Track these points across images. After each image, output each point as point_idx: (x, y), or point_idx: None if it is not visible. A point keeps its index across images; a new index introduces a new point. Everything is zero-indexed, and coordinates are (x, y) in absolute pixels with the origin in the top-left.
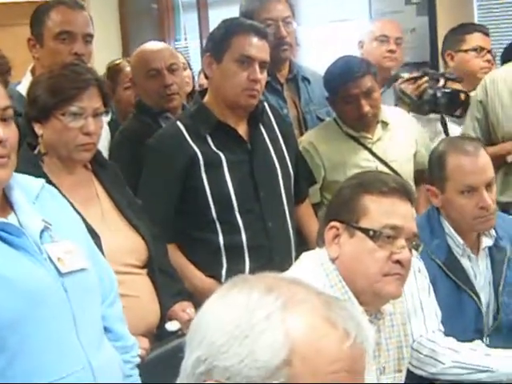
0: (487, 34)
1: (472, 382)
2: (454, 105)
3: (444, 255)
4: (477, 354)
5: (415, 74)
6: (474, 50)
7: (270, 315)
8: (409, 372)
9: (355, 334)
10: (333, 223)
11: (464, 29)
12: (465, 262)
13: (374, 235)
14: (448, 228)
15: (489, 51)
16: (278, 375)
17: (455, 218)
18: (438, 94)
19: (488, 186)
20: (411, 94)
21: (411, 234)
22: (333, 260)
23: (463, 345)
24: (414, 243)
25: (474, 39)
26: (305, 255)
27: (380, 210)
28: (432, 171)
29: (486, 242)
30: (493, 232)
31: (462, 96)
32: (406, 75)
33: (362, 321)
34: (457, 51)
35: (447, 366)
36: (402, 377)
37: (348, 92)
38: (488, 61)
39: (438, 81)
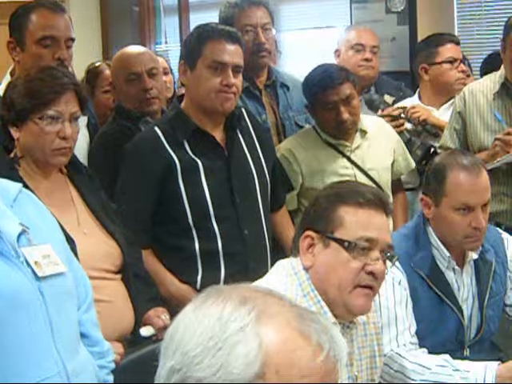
0: (458, 43)
1: None
2: (425, 159)
3: (428, 267)
4: (445, 371)
5: (395, 112)
6: (449, 61)
7: (244, 327)
8: None
9: (328, 348)
10: (308, 232)
11: (436, 40)
12: (449, 275)
13: (348, 246)
14: (435, 240)
15: (461, 61)
16: None
17: (444, 233)
18: (415, 144)
19: (484, 206)
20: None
21: (386, 246)
22: (306, 269)
23: (432, 360)
24: (388, 254)
25: (447, 51)
26: (279, 263)
27: (356, 222)
28: (429, 182)
29: (472, 255)
30: (475, 251)
31: (432, 150)
32: (387, 98)
33: (335, 334)
34: (430, 64)
35: (416, 383)
36: None
37: (327, 99)
38: (463, 71)
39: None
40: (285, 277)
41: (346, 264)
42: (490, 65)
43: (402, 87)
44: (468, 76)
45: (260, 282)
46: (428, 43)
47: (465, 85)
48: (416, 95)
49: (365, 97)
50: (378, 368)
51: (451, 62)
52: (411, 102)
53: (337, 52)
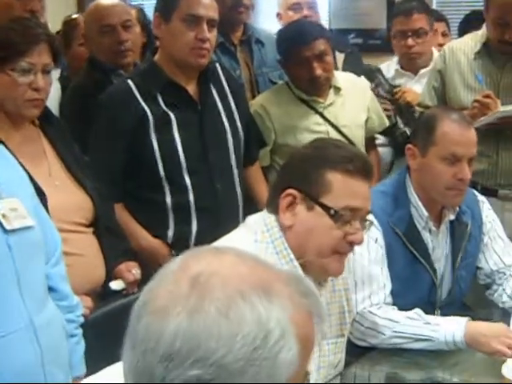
0: (411, 12)
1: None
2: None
3: (405, 226)
4: (416, 323)
5: (388, 96)
6: (398, 35)
7: (284, 334)
8: (350, 342)
9: (316, 312)
10: (290, 191)
11: (395, 10)
12: (425, 234)
13: (334, 214)
14: (414, 198)
15: (416, 31)
16: None
17: (427, 184)
18: (398, 130)
19: (470, 160)
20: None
21: (366, 213)
22: (284, 228)
23: (403, 314)
24: (366, 222)
25: (396, 23)
26: (249, 219)
27: (344, 190)
28: (417, 132)
29: (449, 215)
30: (456, 206)
31: None
32: (338, 55)
33: (317, 294)
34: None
35: (387, 336)
36: (344, 341)
37: (300, 55)
38: (408, 46)
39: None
40: (254, 233)
41: (329, 231)
42: (468, 24)
43: (349, 45)
44: (445, 35)
45: (228, 237)
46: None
47: (411, 58)
48: (396, 58)
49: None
50: (348, 324)
51: (400, 35)
52: (393, 65)
53: (278, 15)
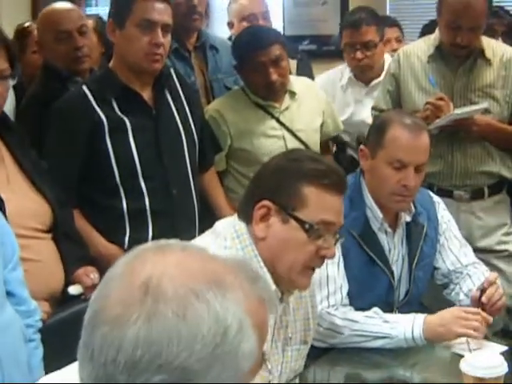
0: (359, 25)
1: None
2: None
3: (361, 228)
4: (375, 321)
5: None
6: (346, 47)
7: (241, 325)
8: None
9: (266, 296)
10: (265, 202)
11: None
12: (381, 236)
13: (309, 229)
14: (369, 200)
15: (365, 44)
16: None
17: (375, 186)
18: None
19: (417, 168)
20: None
21: (339, 227)
22: (257, 239)
23: (361, 313)
24: (337, 236)
25: (344, 37)
26: (218, 224)
27: (319, 205)
28: (370, 134)
29: (404, 217)
30: (412, 208)
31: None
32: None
33: (263, 277)
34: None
35: (347, 335)
36: (307, 348)
37: (256, 60)
38: (358, 59)
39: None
40: (223, 239)
41: (303, 246)
42: (427, 30)
43: (301, 53)
44: (399, 41)
45: (196, 243)
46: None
47: (362, 70)
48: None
49: None
50: (312, 330)
51: (349, 47)
52: (346, 72)
53: (230, 24)
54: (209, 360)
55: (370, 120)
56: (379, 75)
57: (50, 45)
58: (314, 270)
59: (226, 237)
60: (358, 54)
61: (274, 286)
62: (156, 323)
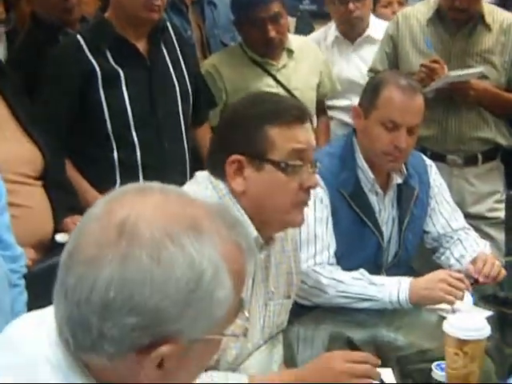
0: None
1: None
2: None
3: (351, 188)
4: (361, 283)
5: None
6: None
7: (217, 271)
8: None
9: (244, 242)
10: (234, 157)
11: None
12: (371, 197)
13: (285, 167)
14: (361, 161)
15: None
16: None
17: (367, 146)
18: None
19: (410, 130)
20: None
21: (312, 158)
22: (237, 194)
23: (347, 274)
24: (315, 164)
25: None
26: (198, 174)
27: (286, 140)
28: (364, 93)
29: (396, 179)
30: (404, 170)
31: None
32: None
33: (243, 224)
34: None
35: (331, 295)
36: (290, 303)
37: (255, 16)
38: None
39: None
40: (205, 189)
41: (285, 186)
42: None
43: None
44: (401, 4)
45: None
46: None
47: (352, 23)
48: (333, 25)
49: None
50: (295, 285)
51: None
52: (331, 32)
53: None
54: (182, 304)
55: (356, 78)
56: (364, 31)
57: None
58: (305, 204)
59: (206, 187)
60: (351, 6)
61: (255, 233)
62: (130, 265)
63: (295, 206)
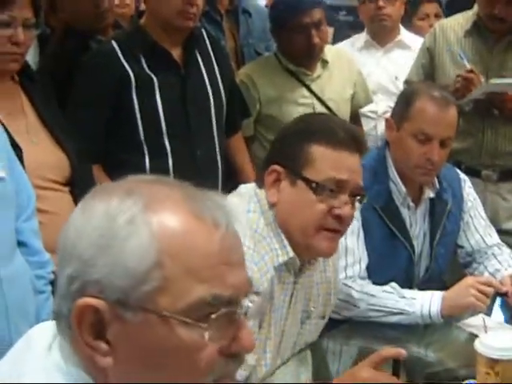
0: None
1: (388, 323)
2: None
3: (383, 201)
4: (392, 297)
5: None
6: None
7: (133, 219)
8: None
9: (226, 224)
10: (274, 167)
11: None
12: (403, 210)
13: (316, 187)
14: (393, 173)
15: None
16: (150, 279)
17: (400, 158)
18: None
19: (443, 142)
20: None
21: (356, 188)
22: (270, 205)
23: (378, 287)
24: (358, 197)
25: None
26: (243, 187)
27: (327, 162)
28: (397, 105)
29: (428, 193)
30: (436, 184)
31: None
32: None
33: (231, 209)
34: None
35: (362, 309)
36: (324, 323)
37: (299, 22)
38: (379, 7)
39: None
40: (247, 203)
41: (312, 206)
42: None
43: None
44: (439, 16)
45: None
46: None
47: (381, 19)
48: (365, 31)
49: None
50: (331, 306)
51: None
52: (362, 38)
53: None
54: (95, 249)
55: (384, 82)
56: (395, 37)
57: (69, 2)
58: (336, 232)
59: (249, 200)
60: (381, 2)
61: (291, 253)
62: (70, 222)
63: (319, 229)
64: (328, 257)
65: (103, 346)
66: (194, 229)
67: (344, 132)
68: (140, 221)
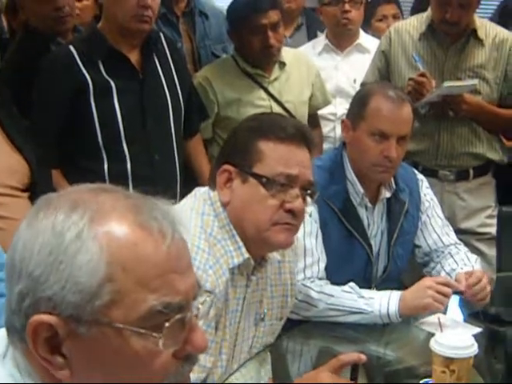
0: None
1: (347, 322)
2: None
3: (340, 202)
4: (350, 296)
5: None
6: (330, 3)
7: (80, 234)
8: None
9: (172, 232)
10: (225, 166)
11: None
12: (360, 210)
13: (267, 182)
14: (350, 174)
15: None
16: (102, 293)
17: (356, 158)
18: None
19: (400, 140)
20: None
21: (306, 183)
22: (224, 204)
23: (337, 288)
24: (309, 191)
25: None
26: (197, 190)
27: (275, 158)
28: (352, 106)
29: (385, 193)
30: (393, 184)
31: None
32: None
33: (178, 216)
34: (321, 4)
35: (321, 308)
36: (281, 324)
37: (256, 22)
38: (345, 11)
39: None
40: (202, 205)
41: (263, 201)
42: (418, 7)
43: None
44: (397, 18)
45: (177, 206)
46: None
47: (344, 24)
48: (324, 34)
49: None
50: (288, 308)
51: (335, 1)
52: (320, 41)
53: None
54: (44, 267)
55: (344, 85)
56: (354, 41)
57: (30, 5)
58: (289, 226)
59: (204, 203)
60: (347, 6)
61: (246, 254)
62: (17, 238)
63: (274, 224)
64: (285, 248)
65: (59, 359)
66: (141, 240)
67: (292, 127)
68: (87, 235)
